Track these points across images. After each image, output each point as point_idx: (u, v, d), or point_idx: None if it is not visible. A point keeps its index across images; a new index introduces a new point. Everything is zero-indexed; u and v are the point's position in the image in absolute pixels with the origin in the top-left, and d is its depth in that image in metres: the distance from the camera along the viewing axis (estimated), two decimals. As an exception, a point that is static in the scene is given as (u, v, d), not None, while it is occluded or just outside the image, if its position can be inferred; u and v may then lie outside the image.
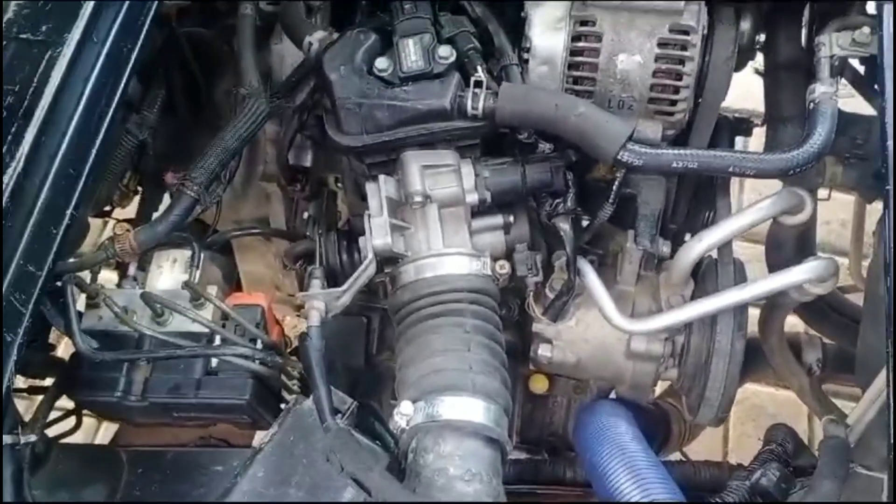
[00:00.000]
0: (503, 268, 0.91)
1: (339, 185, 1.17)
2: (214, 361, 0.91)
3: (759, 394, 1.69)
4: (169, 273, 0.98)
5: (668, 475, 0.82)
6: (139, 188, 1.20)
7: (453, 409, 0.75)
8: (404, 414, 0.76)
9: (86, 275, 0.92)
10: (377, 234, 0.87)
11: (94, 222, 1.23)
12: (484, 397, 0.77)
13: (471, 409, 0.76)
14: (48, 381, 0.96)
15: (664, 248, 0.99)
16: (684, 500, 0.78)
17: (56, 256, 0.80)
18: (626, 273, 1.00)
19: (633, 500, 0.78)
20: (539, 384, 1.10)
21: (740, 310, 0.94)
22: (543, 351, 1.03)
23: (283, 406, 0.90)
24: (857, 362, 0.98)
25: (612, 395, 1.10)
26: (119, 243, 0.89)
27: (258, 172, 1.19)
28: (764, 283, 0.86)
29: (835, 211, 1.86)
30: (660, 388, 1.33)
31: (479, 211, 0.93)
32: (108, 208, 1.19)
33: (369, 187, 0.91)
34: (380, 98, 0.90)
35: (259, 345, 0.90)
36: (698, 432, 1.26)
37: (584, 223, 0.99)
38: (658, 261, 1.01)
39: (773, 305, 1.03)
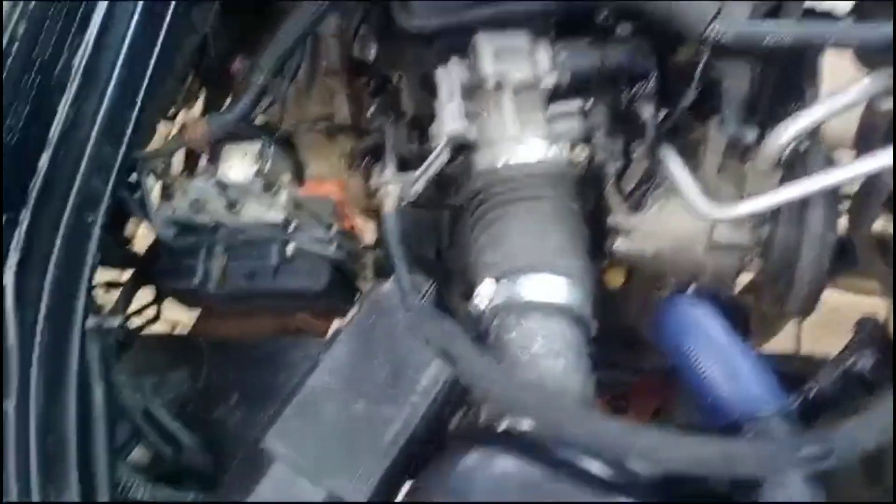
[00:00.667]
0: (581, 154, 0.88)
1: (404, 81, 1.14)
2: (290, 249, 0.91)
3: (836, 299, 1.63)
4: (240, 165, 0.97)
5: (761, 364, 0.79)
6: (202, 89, 1.19)
7: (536, 288, 0.74)
8: (485, 295, 0.75)
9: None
10: (450, 119, 0.85)
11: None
12: (567, 277, 0.75)
13: (554, 287, 0.74)
14: (125, 277, 0.98)
15: (750, 134, 0.93)
16: (779, 391, 0.75)
17: (129, 143, 0.79)
18: (710, 162, 0.95)
19: (731, 395, 0.75)
20: (616, 278, 1.07)
21: (832, 200, 0.89)
22: (621, 243, 1.00)
23: (358, 295, 0.90)
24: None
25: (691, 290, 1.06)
26: (190, 133, 0.88)
27: (322, 68, 1.17)
28: (857, 165, 0.81)
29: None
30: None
31: (555, 95, 0.89)
32: (172, 112, 1.18)
33: (440, 73, 0.88)
34: (454, -21, 0.86)
35: (334, 231, 0.89)
36: (774, 332, 1.22)
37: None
38: (743, 152, 0.96)
39: (864, 195, 0.97)
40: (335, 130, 1.21)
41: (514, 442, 0.64)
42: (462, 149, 0.88)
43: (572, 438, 0.59)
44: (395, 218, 0.81)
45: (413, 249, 1.13)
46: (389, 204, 0.82)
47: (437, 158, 0.85)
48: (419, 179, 0.85)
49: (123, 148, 0.78)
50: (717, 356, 0.75)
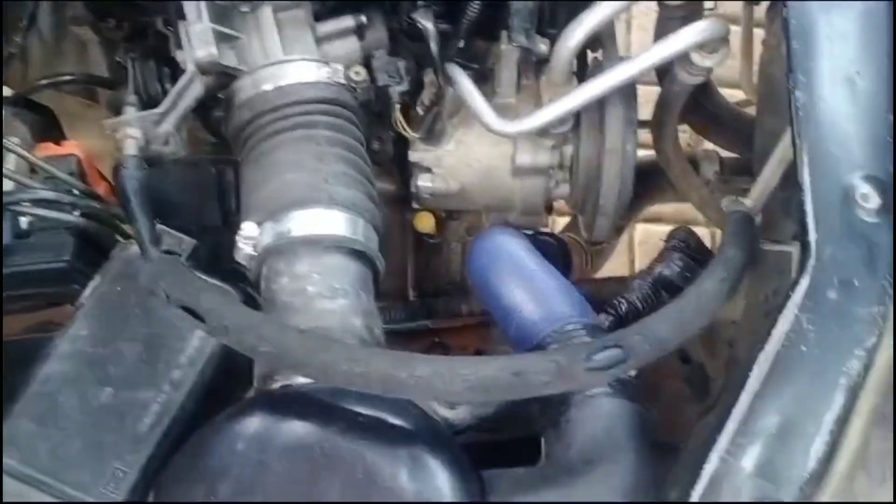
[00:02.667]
0: (358, 74, 0.78)
1: (169, 27, 1.00)
2: (24, 222, 0.75)
3: (661, 233, 1.65)
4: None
5: (569, 286, 0.73)
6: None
7: (307, 224, 0.63)
8: (248, 237, 0.63)
9: None
10: (198, 44, 0.72)
11: None
12: (343, 209, 0.65)
13: (327, 221, 0.64)
14: None
15: (542, 45, 0.87)
16: (590, 311, 0.69)
17: None
18: (505, 81, 0.88)
19: (534, 316, 0.68)
20: (425, 222, 0.99)
21: (628, 105, 0.85)
22: (423, 181, 0.91)
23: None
24: (755, 151, 0.91)
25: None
26: None
27: (68, 17, 1.00)
28: (649, 54, 0.76)
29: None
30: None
31: (324, 12, 0.79)
32: None
33: (183, -10, 0.75)
34: None
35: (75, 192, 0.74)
36: (601, 263, 1.19)
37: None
38: (537, 66, 0.90)
39: (662, 103, 0.94)
40: (93, 87, 1.05)
41: (285, 401, 0.54)
42: (222, 83, 0.76)
43: (344, 382, 0.50)
44: (135, 163, 0.67)
45: (195, 218, 1.00)
46: (128, 147, 0.69)
47: (188, 89, 0.72)
48: (166, 117, 0.72)
49: None
50: (520, 280, 0.69)
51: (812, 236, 0.54)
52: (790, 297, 0.53)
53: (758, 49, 1.15)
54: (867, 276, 0.53)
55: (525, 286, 0.69)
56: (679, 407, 0.83)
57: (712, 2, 0.99)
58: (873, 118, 0.57)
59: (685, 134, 1.15)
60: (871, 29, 0.58)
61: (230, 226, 1.03)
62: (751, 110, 1.26)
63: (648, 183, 1.05)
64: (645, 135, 0.95)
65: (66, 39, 1.03)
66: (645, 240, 1.69)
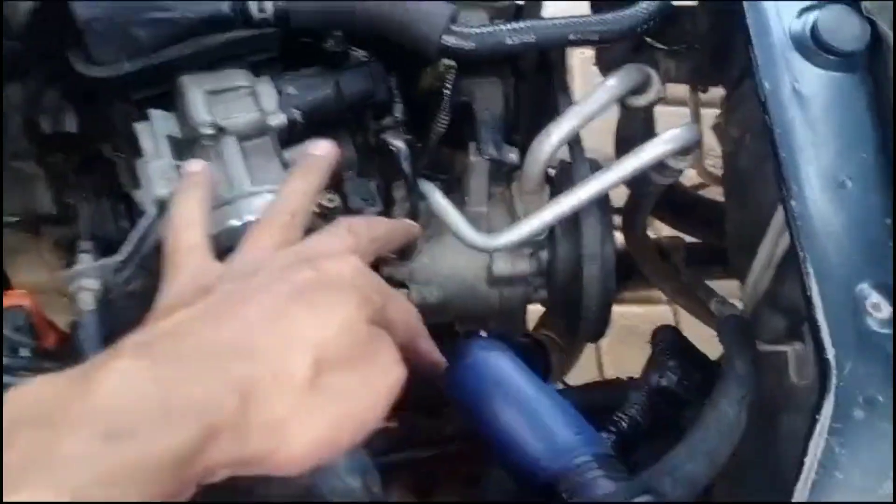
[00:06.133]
0: (332, 201, 0.75)
1: (119, 153, 0.95)
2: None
3: (628, 314, 1.64)
4: None
5: (566, 406, 0.69)
6: None
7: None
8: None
9: None
10: (158, 182, 0.68)
11: None
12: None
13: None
14: None
15: (511, 154, 0.86)
16: (594, 435, 0.65)
17: None
18: (475, 191, 0.86)
19: (537, 451, 0.63)
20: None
21: (604, 210, 0.84)
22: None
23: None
24: (728, 246, 0.91)
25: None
26: None
27: (9, 151, 0.95)
28: (624, 165, 0.75)
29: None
30: (530, 323, 1.24)
31: (291, 139, 0.76)
32: None
33: (139, 127, 0.72)
34: (137, 11, 0.71)
35: (24, 354, 0.68)
36: (576, 359, 1.16)
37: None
38: (508, 175, 0.89)
39: (634, 202, 0.94)
40: (38, 224, 0.99)
41: None
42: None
43: None
44: (94, 320, 0.62)
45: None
46: (85, 301, 0.64)
47: (148, 230, 0.68)
48: (128, 262, 0.67)
49: None
50: (513, 407, 0.64)
51: (830, 353, 0.52)
52: (817, 421, 0.50)
53: (706, 132, 1.17)
54: (889, 390, 0.51)
55: (520, 415, 0.64)
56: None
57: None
58: (870, 223, 0.56)
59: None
60: (854, 134, 0.59)
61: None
62: (706, 192, 1.29)
63: (620, 272, 1.04)
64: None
65: (9, 174, 0.97)
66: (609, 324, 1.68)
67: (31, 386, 0.37)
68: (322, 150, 0.62)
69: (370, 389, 0.45)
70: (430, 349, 0.59)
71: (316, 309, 0.45)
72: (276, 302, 0.44)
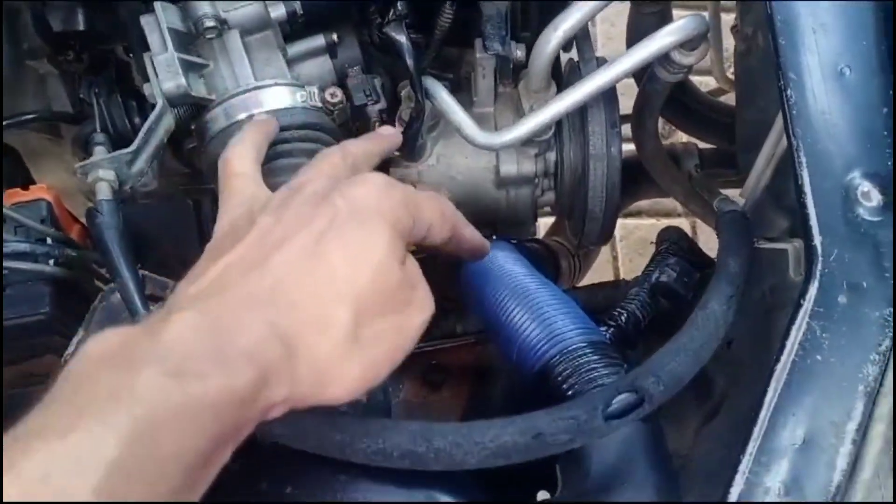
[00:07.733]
0: (335, 95, 0.75)
1: (130, 54, 0.96)
2: (-3, 275, 0.72)
3: (642, 227, 1.64)
4: None
5: (566, 299, 0.71)
6: None
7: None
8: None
9: None
10: (165, 75, 0.69)
11: None
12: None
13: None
14: None
15: (518, 51, 0.85)
16: (591, 325, 0.66)
17: None
18: (482, 89, 0.86)
19: (536, 338, 0.65)
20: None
21: (610, 107, 0.84)
22: (406, 197, 0.89)
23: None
24: (738, 144, 0.90)
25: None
26: None
27: (24, 51, 0.96)
28: (628, 57, 0.74)
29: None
30: (542, 231, 1.25)
31: (293, 33, 0.76)
32: None
33: (144, 20, 0.72)
34: None
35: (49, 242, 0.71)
36: (588, 266, 1.18)
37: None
38: (515, 71, 0.88)
39: (642, 102, 0.92)
40: (57, 125, 1.01)
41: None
42: (195, 111, 0.74)
43: (363, 460, 0.48)
44: (112, 209, 0.65)
45: (172, 249, 0.97)
46: (102, 191, 0.66)
47: (159, 124, 0.69)
48: (139, 155, 0.69)
49: None
50: (516, 298, 0.66)
51: (817, 239, 0.53)
52: (801, 305, 0.51)
53: (726, 35, 1.14)
54: (875, 277, 0.52)
55: (522, 305, 0.66)
56: (679, 411, 0.82)
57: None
58: (866, 112, 0.56)
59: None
60: (855, 21, 0.57)
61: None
62: (724, 98, 1.26)
63: (631, 181, 1.04)
64: (624, 127, 0.94)
65: (24, 74, 0.99)
66: (625, 235, 1.69)
67: (107, 333, 0.41)
68: (389, 132, 0.70)
69: (405, 330, 0.49)
70: (472, 235, 0.61)
71: (348, 248, 0.47)
72: (309, 243, 0.47)
